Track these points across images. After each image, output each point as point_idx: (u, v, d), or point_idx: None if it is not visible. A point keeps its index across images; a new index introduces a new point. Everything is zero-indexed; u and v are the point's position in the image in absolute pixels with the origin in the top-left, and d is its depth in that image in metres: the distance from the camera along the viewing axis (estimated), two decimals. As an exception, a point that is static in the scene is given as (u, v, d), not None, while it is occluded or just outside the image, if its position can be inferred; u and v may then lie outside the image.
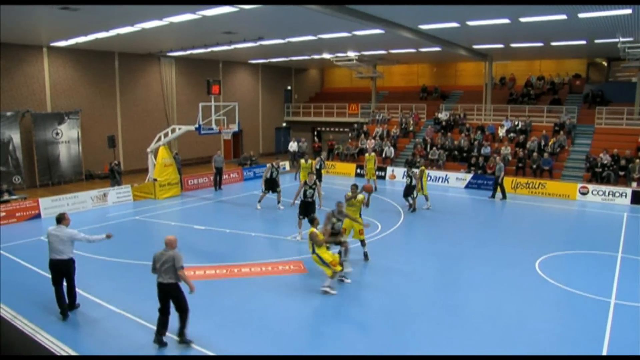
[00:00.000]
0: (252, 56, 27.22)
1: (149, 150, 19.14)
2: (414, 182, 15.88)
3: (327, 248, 9.29)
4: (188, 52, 23.21)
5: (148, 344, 7.03)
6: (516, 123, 23.40)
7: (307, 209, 12.28)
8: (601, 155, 19.48)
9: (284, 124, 33.83)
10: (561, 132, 21.88)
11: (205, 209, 17.02)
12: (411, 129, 26.31)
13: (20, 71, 20.00)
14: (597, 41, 18.33)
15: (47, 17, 14.32)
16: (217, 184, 20.18)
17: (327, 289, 9.00)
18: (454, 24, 15.32)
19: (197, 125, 17.20)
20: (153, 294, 7.16)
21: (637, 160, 18.63)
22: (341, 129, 30.45)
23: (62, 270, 8.01)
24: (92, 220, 14.58)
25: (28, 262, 10.73)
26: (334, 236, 9.91)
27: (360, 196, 10.95)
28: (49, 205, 15.40)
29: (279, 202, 16.35)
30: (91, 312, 8.26)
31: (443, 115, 26.08)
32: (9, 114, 19.29)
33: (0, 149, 19.10)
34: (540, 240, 12.77)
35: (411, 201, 16.07)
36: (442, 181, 21.49)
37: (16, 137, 19.54)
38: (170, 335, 7.17)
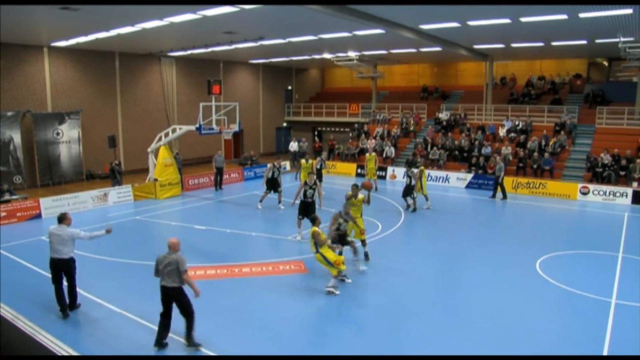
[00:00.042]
0: (253, 56, 27.21)
1: (149, 150, 19.16)
2: (413, 182, 15.91)
3: (338, 252, 9.21)
4: (189, 52, 23.21)
5: (148, 344, 7.03)
6: (517, 123, 23.38)
7: (306, 209, 12.25)
8: (602, 155, 19.47)
9: (285, 124, 33.81)
10: (562, 132, 21.87)
11: (206, 209, 17.04)
12: (412, 128, 26.31)
13: (21, 71, 20.01)
14: (597, 41, 18.31)
15: (47, 17, 14.33)
16: (218, 184, 20.18)
17: (332, 289, 8.98)
18: (455, 24, 15.31)
19: (197, 125, 17.21)
20: (154, 294, 7.17)
21: (638, 160, 18.63)
22: (342, 129, 30.45)
23: (63, 269, 8.04)
24: (92, 220, 14.57)
25: (29, 262, 10.74)
26: (341, 237, 9.88)
27: (361, 195, 10.93)
28: (50, 205, 15.43)
29: (279, 202, 16.37)
30: (92, 311, 8.27)
31: (444, 115, 26.07)
32: (9, 114, 19.30)
33: (0, 149, 19.11)
34: (541, 240, 12.77)
35: (410, 201, 16.08)
36: (442, 181, 21.49)
37: (17, 137, 19.55)
38: (174, 337, 7.14)
